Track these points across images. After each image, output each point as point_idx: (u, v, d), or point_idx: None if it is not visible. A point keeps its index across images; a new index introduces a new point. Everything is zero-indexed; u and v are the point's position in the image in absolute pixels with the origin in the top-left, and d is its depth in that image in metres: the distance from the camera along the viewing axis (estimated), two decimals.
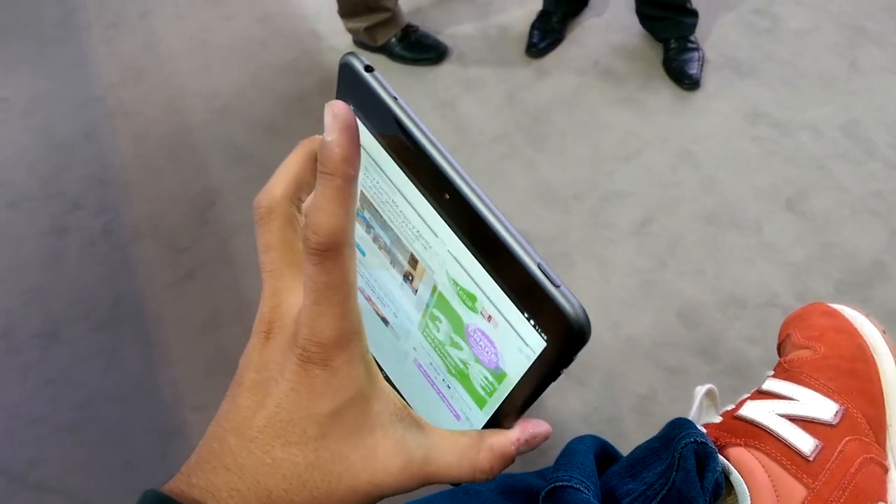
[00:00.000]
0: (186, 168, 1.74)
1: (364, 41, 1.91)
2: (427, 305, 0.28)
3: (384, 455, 0.24)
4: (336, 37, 2.00)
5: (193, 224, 1.60)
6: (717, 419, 0.45)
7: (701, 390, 0.49)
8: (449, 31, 1.95)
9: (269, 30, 2.09)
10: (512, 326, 0.25)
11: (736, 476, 0.39)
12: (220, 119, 1.85)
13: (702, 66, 1.72)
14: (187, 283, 1.49)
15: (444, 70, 1.85)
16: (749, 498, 0.38)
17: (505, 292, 0.24)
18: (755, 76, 1.71)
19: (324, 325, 0.23)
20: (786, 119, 1.61)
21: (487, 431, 0.27)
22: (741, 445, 0.41)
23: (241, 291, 1.45)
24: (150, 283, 1.50)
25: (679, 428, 0.40)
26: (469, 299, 0.26)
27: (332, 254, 0.22)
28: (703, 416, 0.50)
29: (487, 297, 0.25)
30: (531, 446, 0.27)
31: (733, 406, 0.46)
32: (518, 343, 0.25)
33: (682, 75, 1.70)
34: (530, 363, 0.25)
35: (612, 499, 0.40)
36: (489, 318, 0.25)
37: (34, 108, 1.97)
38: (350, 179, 0.22)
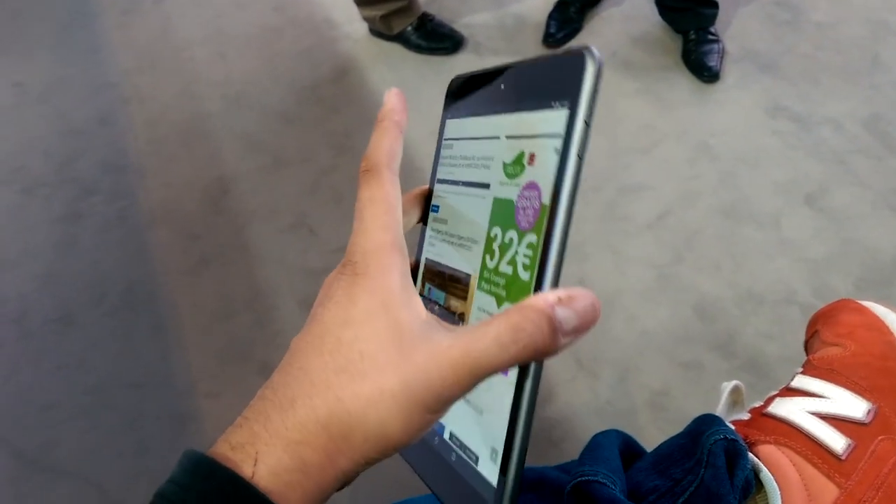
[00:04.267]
0: (200, 155, 1.73)
1: (380, 30, 1.90)
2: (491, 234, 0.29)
3: (420, 359, 0.23)
4: (351, 25, 1.99)
5: (207, 211, 1.60)
6: (745, 416, 0.44)
7: (727, 386, 0.48)
8: (465, 20, 1.94)
9: (284, 18, 2.08)
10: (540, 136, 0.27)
11: (766, 474, 0.38)
12: (235, 107, 1.84)
13: (721, 58, 1.69)
14: (201, 271, 1.49)
15: (461, 60, 1.84)
16: (780, 496, 0.37)
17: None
18: (776, 69, 1.69)
19: (366, 237, 0.26)
20: (806, 113, 1.58)
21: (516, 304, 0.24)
22: (771, 443, 0.40)
23: (254, 280, 1.45)
24: (164, 270, 1.50)
25: (708, 424, 0.39)
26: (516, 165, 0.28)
27: (373, 173, 0.28)
28: (729, 413, 0.49)
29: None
30: (582, 322, 0.23)
31: (761, 403, 0.45)
32: (551, 143, 0.26)
33: (701, 67, 1.67)
34: (560, 147, 0.25)
35: (639, 494, 0.40)
36: (531, 158, 0.27)
37: (49, 94, 1.97)
38: (394, 125, 0.29)
